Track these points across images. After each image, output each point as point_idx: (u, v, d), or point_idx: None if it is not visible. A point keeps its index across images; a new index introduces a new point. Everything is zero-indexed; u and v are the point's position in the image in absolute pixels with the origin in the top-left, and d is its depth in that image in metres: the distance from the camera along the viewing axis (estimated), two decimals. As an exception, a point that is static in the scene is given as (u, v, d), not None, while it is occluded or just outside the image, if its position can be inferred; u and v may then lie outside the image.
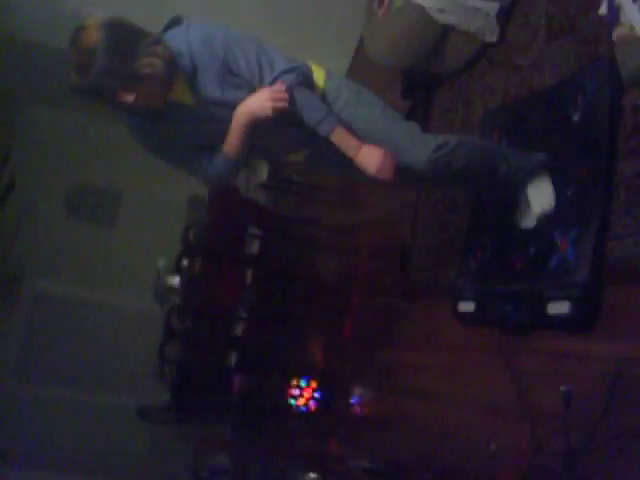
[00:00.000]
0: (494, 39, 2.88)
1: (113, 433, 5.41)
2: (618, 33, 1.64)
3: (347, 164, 2.07)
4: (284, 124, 2.05)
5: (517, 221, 2.34)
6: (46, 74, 4.52)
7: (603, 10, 1.69)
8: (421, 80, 3.42)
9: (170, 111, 2.01)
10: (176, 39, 1.96)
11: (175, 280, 5.06)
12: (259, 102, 1.96)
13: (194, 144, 2.10)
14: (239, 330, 4.85)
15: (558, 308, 2.04)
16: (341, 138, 2.02)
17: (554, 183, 2.23)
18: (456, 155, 2.16)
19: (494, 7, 2.81)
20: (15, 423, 5.30)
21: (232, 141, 2.02)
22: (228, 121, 2.01)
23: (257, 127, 2.01)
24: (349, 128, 2.05)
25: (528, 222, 2.30)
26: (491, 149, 2.37)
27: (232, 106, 2.00)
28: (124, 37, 1.83)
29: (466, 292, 2.60)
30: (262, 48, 2.02)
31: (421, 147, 2.13)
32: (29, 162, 5.18)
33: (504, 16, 2.85)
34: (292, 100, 1.98)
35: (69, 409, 5.48)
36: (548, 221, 2.19)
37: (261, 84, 2.00)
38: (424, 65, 3.16)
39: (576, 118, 2.17)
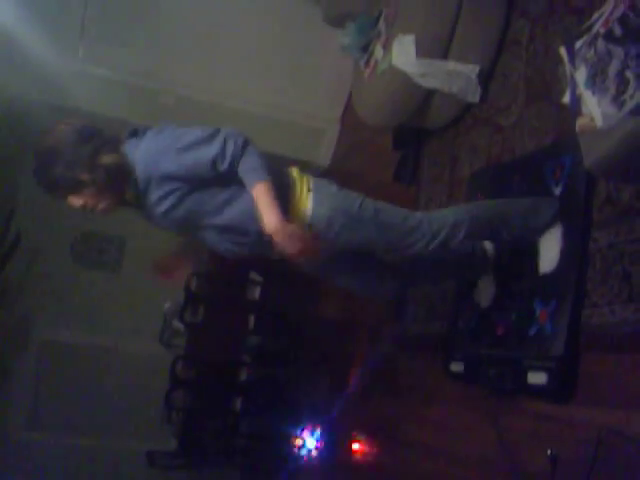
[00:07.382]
0: (476, 99, 2.96)
1: (122, 478, 5.46)
2: (580, 123, 1.70)
3: None
4: None
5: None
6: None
7: (567, 99, 1.76)
8: (410, 132, 3.51)
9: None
10: (129, 153, 1.99)
11: (181, 324, 5.14)
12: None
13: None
14: (243, 375, 4.90)
15: (537, 378, 2.10)
16: (262, 196, 1.91)
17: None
18: (455, 234, 2.17)
19: (474, 69, 2.89)
20: (25, 470, 5.35)
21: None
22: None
23: None
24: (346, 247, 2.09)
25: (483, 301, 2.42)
26: (488, 218, 2.27)
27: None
28: (75, 145, 1.88)
29: (456, 352, 2.65)
30: (199, 140, 1.95)
31: (418, 240, 2.15)
32: (34, 214, 5.26)
33: (485, 77, 2.94)
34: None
35: (78, 455, 5.52)
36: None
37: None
38: (410, 122, 3.24)
39: (557, 192, 2.24)
